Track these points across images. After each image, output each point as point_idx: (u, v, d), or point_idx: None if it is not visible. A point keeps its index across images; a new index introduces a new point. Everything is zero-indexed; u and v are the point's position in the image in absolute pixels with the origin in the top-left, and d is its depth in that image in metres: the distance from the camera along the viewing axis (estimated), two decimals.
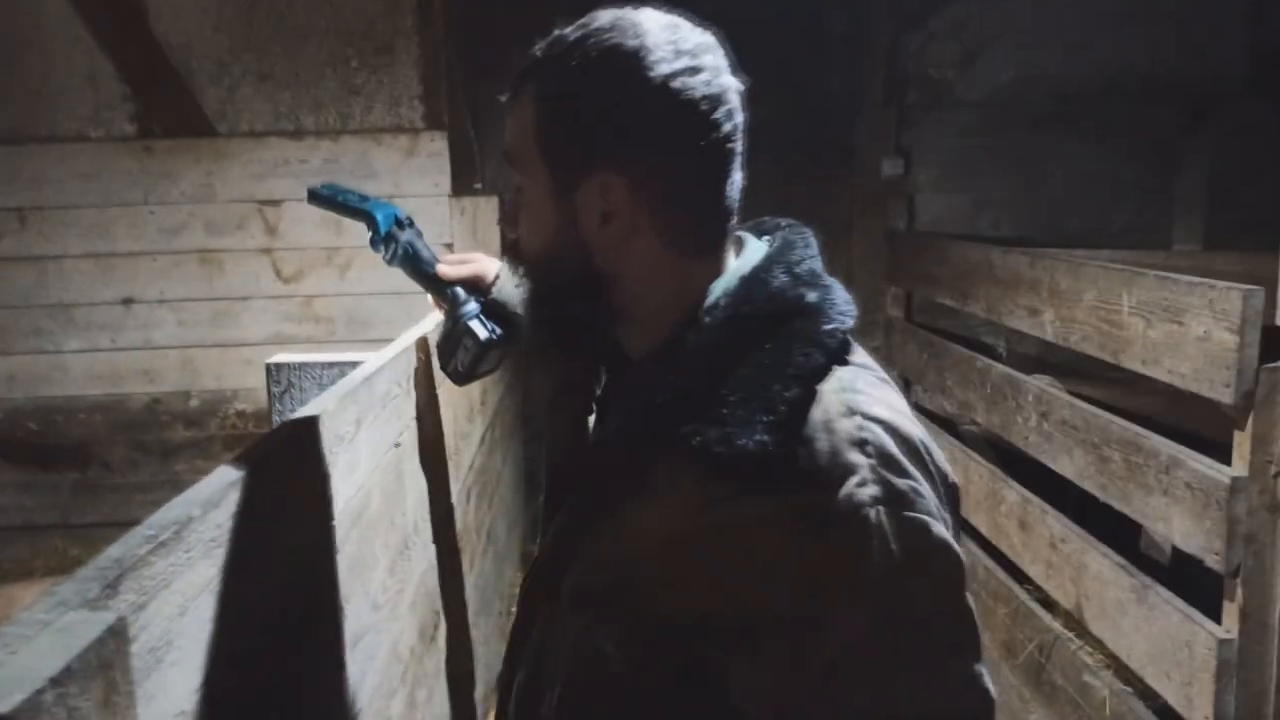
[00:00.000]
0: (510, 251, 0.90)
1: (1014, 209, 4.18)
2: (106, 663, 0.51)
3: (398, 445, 1.40)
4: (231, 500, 0.77)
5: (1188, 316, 1.73)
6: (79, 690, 0.48)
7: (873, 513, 0.70)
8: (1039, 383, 2.43)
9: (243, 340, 3.40)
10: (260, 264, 3.36)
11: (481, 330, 1.32)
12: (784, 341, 0.76)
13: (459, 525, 1.89)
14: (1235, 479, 1.61)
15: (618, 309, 0.84)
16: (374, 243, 1.32)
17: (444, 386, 1.68)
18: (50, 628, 0.50)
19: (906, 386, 3.39)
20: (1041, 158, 4.12)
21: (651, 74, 0.76)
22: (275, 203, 3.33)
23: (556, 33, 0.81)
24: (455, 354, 1.37)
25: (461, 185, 3.42)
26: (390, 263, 1.32)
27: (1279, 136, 3.79)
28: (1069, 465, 2.15)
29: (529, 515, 3.67)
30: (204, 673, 0.69)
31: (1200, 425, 2.05)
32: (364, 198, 1.34)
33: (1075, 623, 2.17)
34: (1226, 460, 1.66)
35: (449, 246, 3.37)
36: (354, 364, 1.37)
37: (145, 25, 3.21)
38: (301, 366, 1.33)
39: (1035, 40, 4.11)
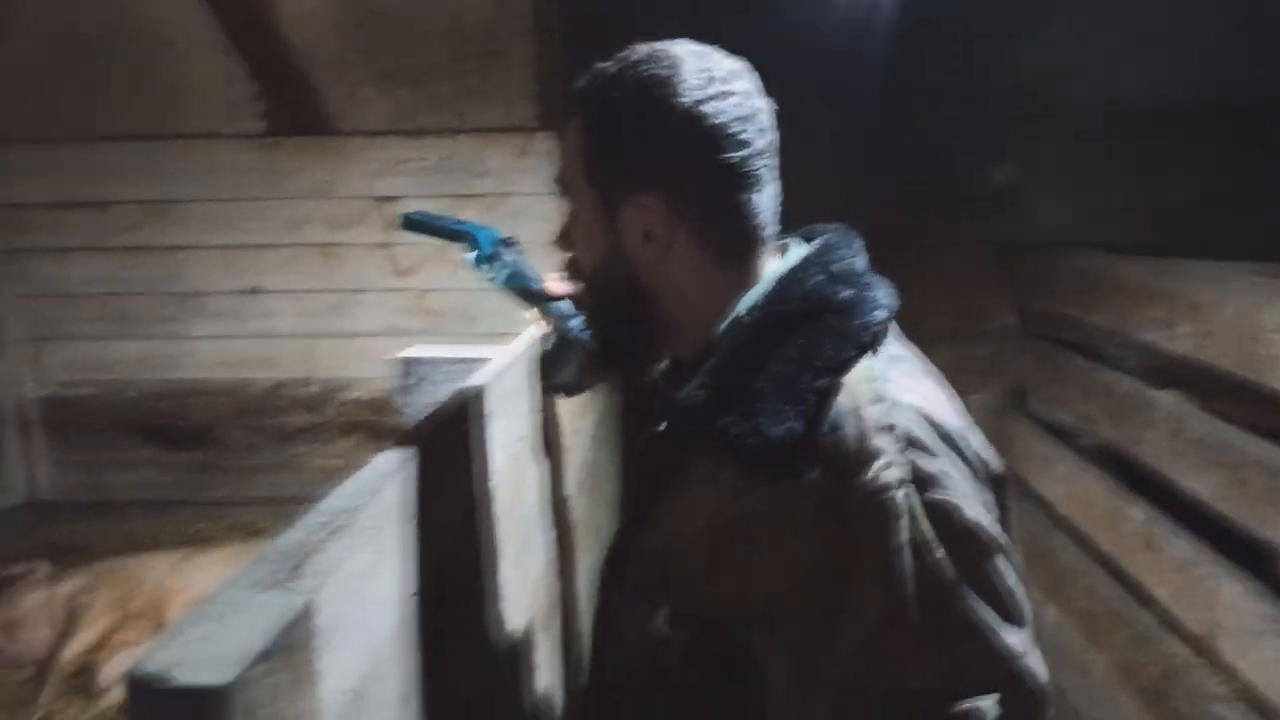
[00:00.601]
0: (572, 269, 0.95)
1: (1131, 218, 3.99)
2: (298, 643, 0.54)
3: (521, 439, 1.43)
4: (390, 488, 0.79)
5: None
6: (278, 668, 0.50)
7: (899, 494, 0.73)
8: (1170, 398, 2.33)
9: (359, 330, 3.51)
10: (377, 258, 3.46)
11: (590, 342, 1.35)
12: (815, 336, 0.81)
13: (572, 518, 1.91)
14: None
15: (665, 321, 0.89)
16: (477, 263, 1.34)
17: None
18: (248, 606, 0.53)
19: (1022, 397, 3.29)
20: (1160, 166, 3.93)
21: (684, 100, 0.82)
22: (392, 199, 3.43)
23: (598, 65, 0.88)
24: (565, 367, 1.40)
25: None
26: (495, 283, 1.36)
27: None
28: (1201, 486, 2.06)
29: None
30: (365, 652, 0.71)
31: None
32: (461, 222, 1.38)
33: (1204, 650, 2.07)
34: None
35: (556, 245, 3.42)
36: (482, 360, 1.40)
37: (275, 27, 3.34)
38: (431, 361, 1.37)
39: (1154, 46, 3.92)
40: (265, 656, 0.48)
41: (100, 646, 2.64)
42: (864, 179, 3.74)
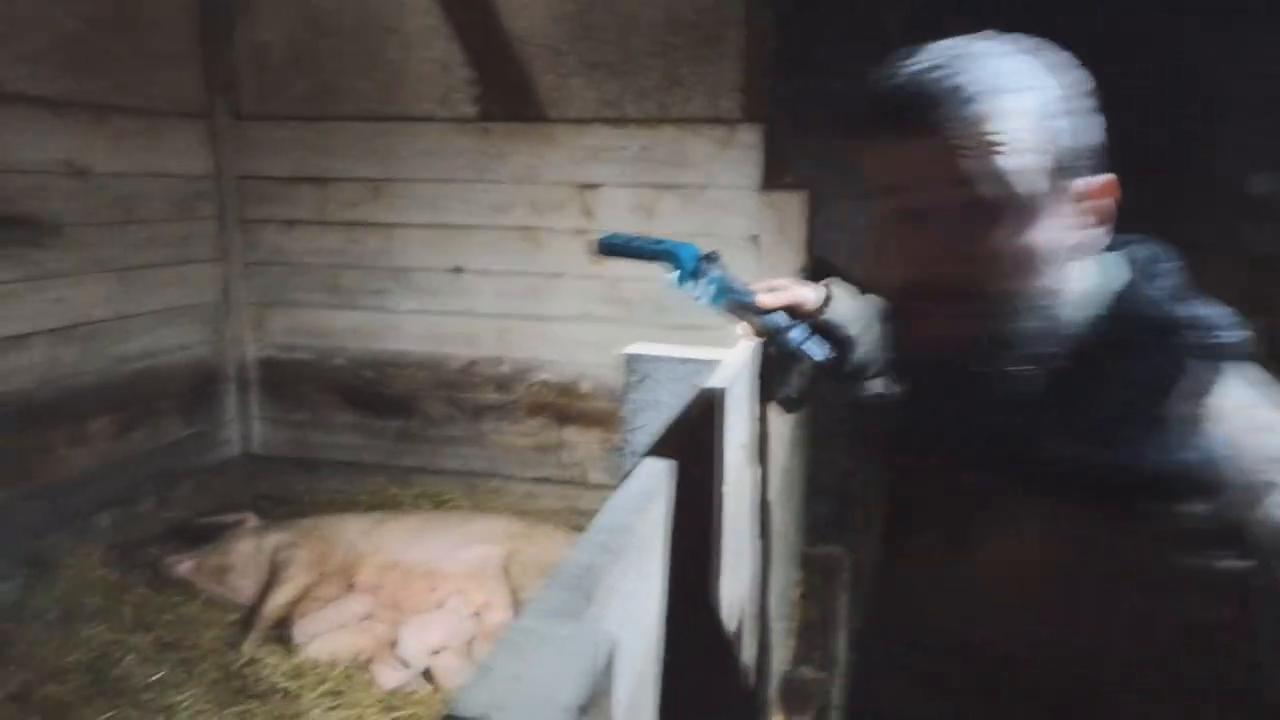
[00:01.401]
0: (944, 285, 0.84)
1: None
2: (603, 689, 0.51)
3: (744, 446, 1.39)
4: (656, 505, 0.77)
5: None
6: (589, 712, 0.48)
7: None
8: None
9: (553, 315, 3.58)
10: (575, 244, 3.51)
11: (817, 353, 1.30)
12: (1169, 356, 0.76)
13: (773, 528, 1.87)
14: None
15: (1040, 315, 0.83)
16: (681, 281, 1.30)
17: None
18: (553, 642, 0.51)
19: None
20: None
21: (1066, 93, 0.79)
22: (594, 186, 3.46)
23: (954, 52, 0.80)
24: (787, 380, 1.35)
25: (772, 179, 3.39)
26: (702, 300, 1.32)
27: None
28: None
29: (808, 516, 3.61)
30: (632, 678, 0.69)
31: None
32: (659, 241, 1.35)
33: None
34: None
35: (754, 239, 3.36)
36: (708, 361, 1.36)
37: (495, 15, 3.43)
38: (657, 360, 1.35)
39: None
40: (584, 710, 0.46)
41: (298, 600, 2.83)
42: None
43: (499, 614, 2.80)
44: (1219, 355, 0.76)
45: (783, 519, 2.34)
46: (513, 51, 3.45)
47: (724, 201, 3.38)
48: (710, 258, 1.36)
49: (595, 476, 3.65)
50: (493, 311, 3.62)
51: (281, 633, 2.71)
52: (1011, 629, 0.81)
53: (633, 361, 1.39)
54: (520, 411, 3.67)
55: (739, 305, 1.35)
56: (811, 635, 2.96)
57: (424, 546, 2.99)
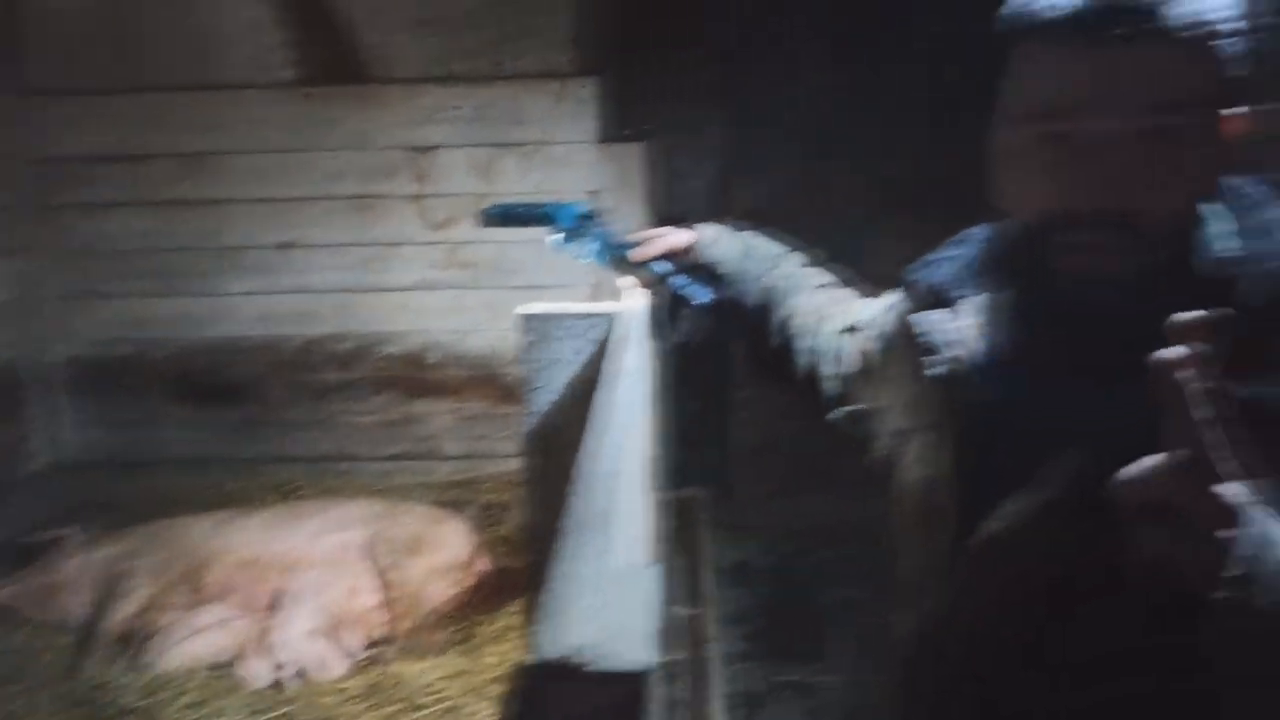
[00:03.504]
0: (1105, 224, 0.77)
1: None
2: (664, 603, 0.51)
3: (644, 395, 1.40)
4: (631, 442, 0.77)
5: None
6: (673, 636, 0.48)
7: None
8: None
9: (394, 285, 3.46)
10: (412, 210, 3.40)
11: (700, 295, 1.34)
12: None
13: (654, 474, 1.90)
14: None
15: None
16: (565, 241, 1.33)
17: None
18: (613, 577, 0.50)
19: None
20: None
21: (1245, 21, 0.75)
22: (429, 149, 3.36)
23: None
24: (675, 325, 1.39)
25: (610, 132, 3.40)
26: (587, 258, 1.34)
27: None
28: None
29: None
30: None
31: None
32: (539, 205, 1.35)
33: None
34: None
35: (595, 194, 3.36)
36: (605, 315, 1.37)
37: None
38: (554, 318, 1.34)
39: None
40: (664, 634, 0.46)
41: (144, 613, 2.63)
42: None
43: (367, 599, 2.71)
44: None
45: (659, 466, 2.38)
46: (330, 10, 3.27)
47: (563, 157, 3.36)
48: (590, 215, 1.37)
49: (451, 448, 3.59)
50: (329, 286, 3.47)
51: (129, 649, 2.52)
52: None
53: (528, 321, 1.38)
54: (367, 389, 3.55)
55: (621, 259, 1.37)
56: (678, 575, 3.06)
57: (279, 540, 2.84)
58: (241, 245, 3.41)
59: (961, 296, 0.93)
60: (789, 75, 3.77)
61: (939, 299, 0.95)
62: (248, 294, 3.45)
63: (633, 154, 3.39)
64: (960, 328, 0.91)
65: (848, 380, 1.22)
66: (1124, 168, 0.74)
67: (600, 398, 0.88)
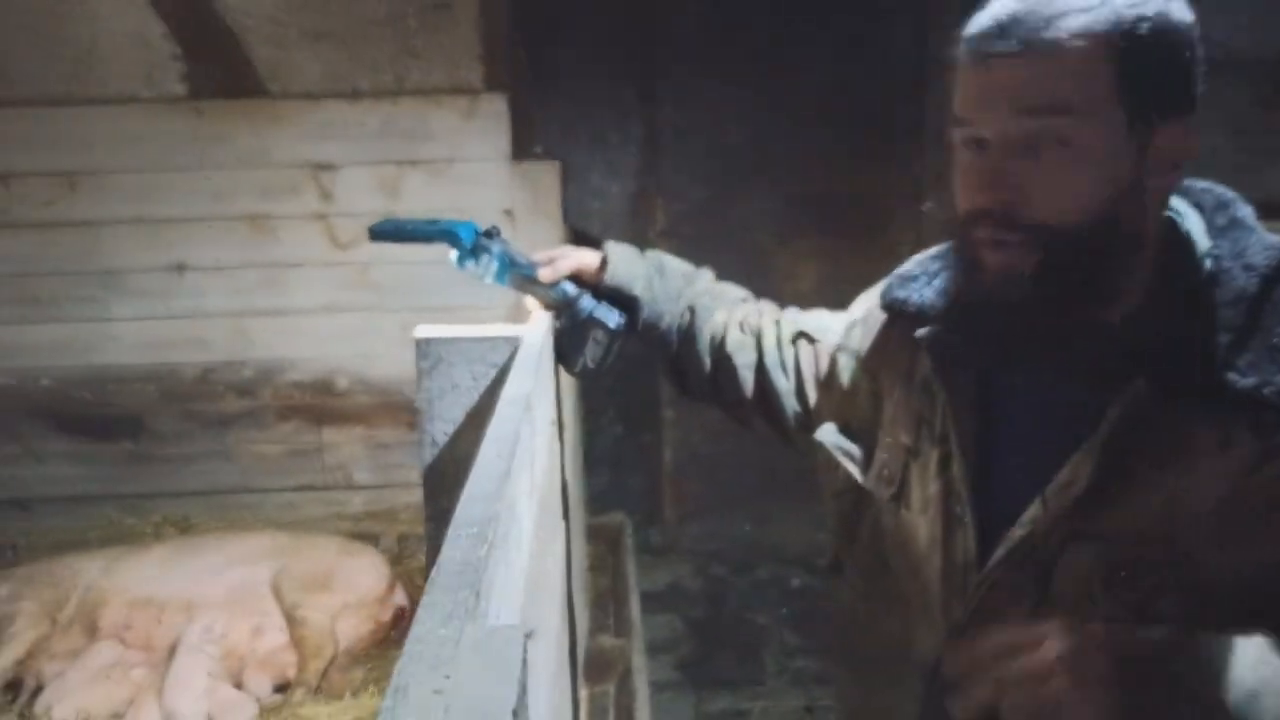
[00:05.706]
0: (1002, 221, 0.82)
1: None
2: (524, 682, 0.44)
3: (551, 422, 1.33)
4: (511, 489, 0.69)
5: None
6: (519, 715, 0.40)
7: None
8: None
9: (295, 308, 3.31)
10: (314, 230, 3.26)
11: (611, 319, 1.30)
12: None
13: (570, 501, 1.82)
14: None
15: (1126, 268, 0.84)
16: (461, 262, 1.25)
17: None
18: (463, 644, 0.42)
19: None
20: None
21: (1192, 21, 0.80)
22: (330, 166, 3.23)
23: None
24: (583, 349, 1.34)
25: (521, 149, 3.32)
26: (486, 278, 1.27)
27: None
28: None
29: (587, 487, 3.61)
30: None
31: None
32: (434, 221, 1.28)
33: None
34: None
35: (508, 213, 3.28)
36: (506, 338, 1.28)
37: None
38: (451, 341, 1.25)
39: None
40: (516, 714, 0.38)
41: (30, 659, 2.45)
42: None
43: (273, 639, 2.57)
44: None
45: (576, 492, 2.31)
46: (222, 22, 3.12)
47: (473, 175, 3.27)
48: (490, 233, 1.30)
49: (361, 477, 3.44)
50: (225, 310, 3.29)
51: (14, 698, 2.35)
52: None
53: (424, 346, 1.28)
54: (270, 417, 3.38)
55: (525, 279, 1.31)
56: (604, 604, 2.98)
57: (178, 576, 2.68)
58: (127, 268, 3.22)
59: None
60: (704, 93, 3.77)
61: (924, 320, 0.98)
62: (135, 319, 3.26)
63: (546, 172, 3.32)
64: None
65: (805, 390, 1.20)
66: (1001, 171, 0.81)
67: (492, 430, 0.80)
